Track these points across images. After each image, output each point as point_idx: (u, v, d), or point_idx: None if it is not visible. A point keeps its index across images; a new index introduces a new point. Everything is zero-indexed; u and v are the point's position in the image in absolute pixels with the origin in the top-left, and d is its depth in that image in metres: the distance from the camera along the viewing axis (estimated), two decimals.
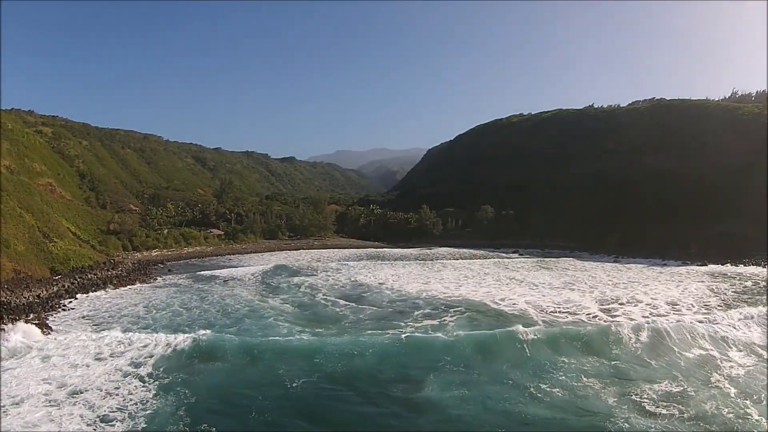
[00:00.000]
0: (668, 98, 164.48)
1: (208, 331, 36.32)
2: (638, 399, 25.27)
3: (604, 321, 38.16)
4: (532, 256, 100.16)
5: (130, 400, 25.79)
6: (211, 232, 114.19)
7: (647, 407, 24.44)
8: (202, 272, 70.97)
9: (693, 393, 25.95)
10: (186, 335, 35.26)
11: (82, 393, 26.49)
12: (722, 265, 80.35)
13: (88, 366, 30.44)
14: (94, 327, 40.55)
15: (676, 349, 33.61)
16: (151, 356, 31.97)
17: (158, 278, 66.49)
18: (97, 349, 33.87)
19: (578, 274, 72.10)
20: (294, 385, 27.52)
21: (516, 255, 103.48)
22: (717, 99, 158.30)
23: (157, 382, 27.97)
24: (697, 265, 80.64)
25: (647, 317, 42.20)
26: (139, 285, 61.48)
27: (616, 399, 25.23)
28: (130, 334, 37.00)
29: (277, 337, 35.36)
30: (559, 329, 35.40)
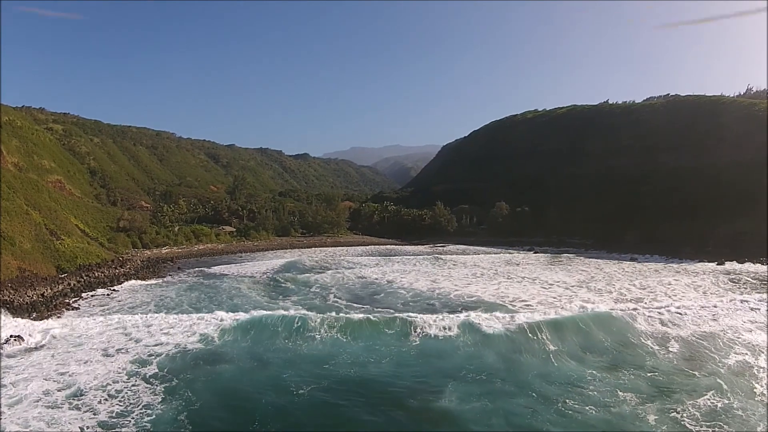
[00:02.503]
0: (683, 94, 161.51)
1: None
2: (680, 416, 22.85)
3: (633, 326, 35.79)
4: (546, 254, 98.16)
5: (133, 403, 24.73)
6: (222, 229, 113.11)
7: (691, 427, 22.11)
8: (212, 270, 69.93)
9: (739, 410, 23.38)
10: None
11: (83, 394, 25.55)
12: (740, 263, 78.35)
13: (91, 364, 29.67)
14: (98, 327, 38.89)
15: (712, 355, 31.32)
16: (158, 355, 31.12)
17: (167, 276, 65.39)
18: (103, 345, 33.31)
19: (594, 273, 70.18)
20: (301, 392, 25.79)
21: (531, 252, 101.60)
22: (732, 95, 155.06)
23: (162, 385, 26.85)
24: (715, 264, 78.79)
25: (675, 321, 39.72)
26: (147, 282, 60.37)
27: (656, 417, 22.82)
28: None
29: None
30: (585, 336, 33.26)
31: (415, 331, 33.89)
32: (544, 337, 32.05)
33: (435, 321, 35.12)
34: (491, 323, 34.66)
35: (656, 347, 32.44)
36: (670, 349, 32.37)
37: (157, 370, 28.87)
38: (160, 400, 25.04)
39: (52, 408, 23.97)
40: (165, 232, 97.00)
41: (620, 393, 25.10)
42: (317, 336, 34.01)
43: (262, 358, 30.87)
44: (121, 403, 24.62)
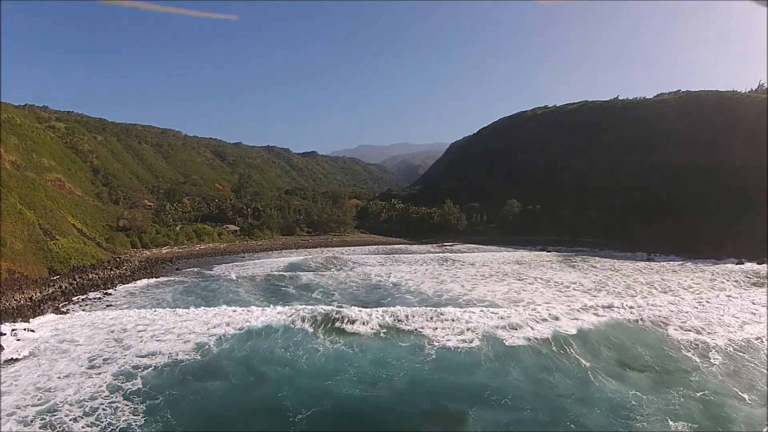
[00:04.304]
0: (693, 90, 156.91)
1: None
2: None
3: (667, 336, 32.48)
4: (559, 253, 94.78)
5: (110, 423, 22.97)
6: (226, 227, 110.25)
7: None
8: (212, 271, 67.07)
9: None
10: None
11: (58, 410, 23.99)
12: (758, 264, 75.65)
13: (73, 377, 28.11)
14: (87, 333, 36.92)
15: (758, 371, 28.18)
16: (146, 368, 29.04)
17: (165, 277, 62.57)
18: (89, 354, 31.65)
19: (610, 274, 67.13)
20: (299, 417, 22.75)
21: (543, 251, 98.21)
22: (743, 91, 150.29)
23: (144, 404, 24.70)
24: (734, 264, 76.64)
25: (707, 329, 36.35)
26: (143, 284, 57.75)
27: None
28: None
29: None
30: (620, 350, 29.81)
31: (430, 344, 30.64)
32: (574, 351, 28.71)
33: (454, 333, 31.79)
34: (512, 333, 31.39)
35: (697, 360, 29.24)
36: (713, 362, 29.24)
37: (141, 386, 26.89)
38: (140, 422, 23.06)
39: (24, 425, 22.62)
40: (165, 231, 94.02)
41: (671, 422, 21.78)
42: (319, 348, 31.00)
43: (258, 372, 27.98)
44: (97, 423, 22.91)
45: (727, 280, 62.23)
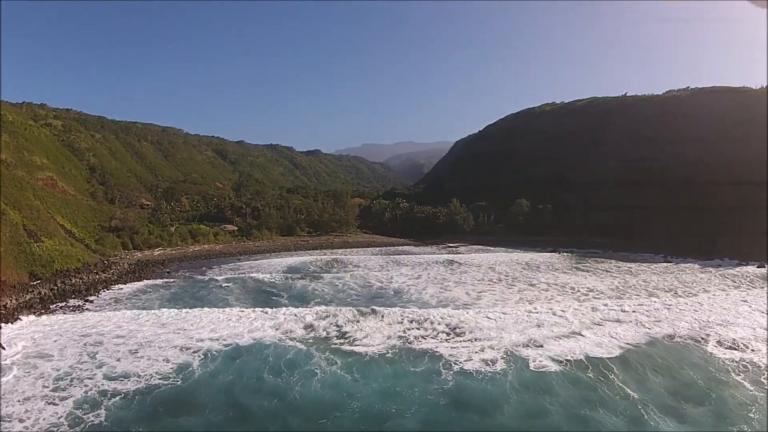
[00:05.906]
0: (702, 86, 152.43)
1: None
2: None
3: (710, 355, 28.41)
4: (571, 255, 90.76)
5: None
6: (224, 227, 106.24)
7: None
8: (204, 276, 63.42)
9: None
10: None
11: None
12: None
13: (34, 401, 25.28)
14: (60, 346, 33.70)
15: None
16: (114, 395, 25.68)
17: (153, 282, 58.80)
18: (58, 372, 28.67)
19: (628, 278, 63.40)
20: None
21: (555, 253, 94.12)
22: (755, 87, 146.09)
23: None
24: (755, 267, 73.28)
25: (747, 344, 32.25)
26: (129, 290, 54.15)
27: None
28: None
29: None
30: (668, 375, 25.70)
31: (446, 367, 26.40)
32: (616, 378, 24.39)
33: (473, 351, 27.50)
34: (538, 352, 27.24)
35: (751, 388, 25.24)
36: None
37: (104, 419, 23.39)
38: None
39: None
40: (158, 232, 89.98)
41: None
42: (317, 371, 26.76)
43: (242, 404, 23.93)
44: None
45: (753, 287, 58.75)
